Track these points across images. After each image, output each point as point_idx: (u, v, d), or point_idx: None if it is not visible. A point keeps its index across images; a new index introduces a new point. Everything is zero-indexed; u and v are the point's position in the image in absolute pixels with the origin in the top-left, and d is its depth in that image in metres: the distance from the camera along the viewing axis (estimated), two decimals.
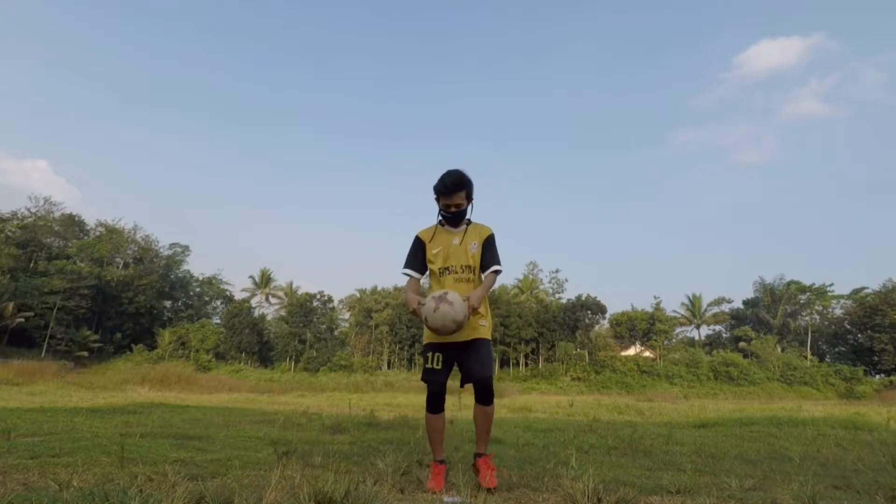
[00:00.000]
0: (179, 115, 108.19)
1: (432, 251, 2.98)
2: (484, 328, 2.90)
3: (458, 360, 2.89)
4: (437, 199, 2.95)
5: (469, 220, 3.03)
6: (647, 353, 49.68)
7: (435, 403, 2.89)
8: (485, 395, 2.86)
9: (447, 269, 2.94)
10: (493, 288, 3.09)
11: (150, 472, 2.74)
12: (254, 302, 56.12)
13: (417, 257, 3.02)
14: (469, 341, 2.86)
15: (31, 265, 46.82)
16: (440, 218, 3.03)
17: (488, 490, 2.61)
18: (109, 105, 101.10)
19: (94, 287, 46.83)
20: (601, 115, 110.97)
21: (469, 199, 2.95)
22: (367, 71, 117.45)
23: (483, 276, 2.93)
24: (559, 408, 13.16)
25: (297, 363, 48.20)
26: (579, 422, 8.20)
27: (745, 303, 56.81)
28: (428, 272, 3.06)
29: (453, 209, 2.91)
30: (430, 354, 2.87)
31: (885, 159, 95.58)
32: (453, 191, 2.87)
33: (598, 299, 49.51)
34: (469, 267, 2.92)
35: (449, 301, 2.64)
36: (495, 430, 5.86)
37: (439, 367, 2.84)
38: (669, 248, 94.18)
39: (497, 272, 2.91)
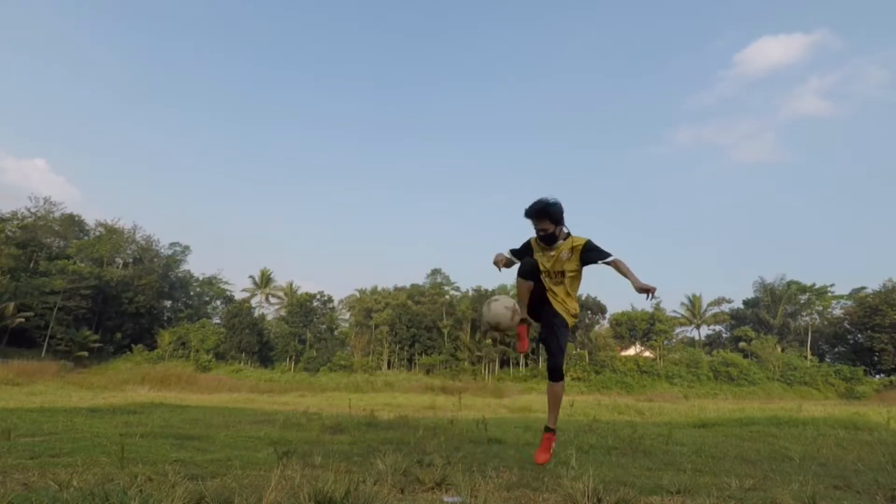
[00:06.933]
0: (179, 114, 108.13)
1: (535, 254, 3.52)
2: (568, 312, 3.44)
3: (541, 321, 3.52)
4: None
5: (567, 233, 3.43)
6: (647, 353, 49.65)
7: (527, 272, 3.39)
8: (551, 374, 3.44)
9: (545, 271, 3.47)
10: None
11: (150, 472, 2.74)
12: (254, 302, 56.11)
13: (521, 248, 3.62)
14: (554, 316, 3.42)
15: (32, 265, 46.77)
16: None
17: (538, 464, 3.32)
18: (109, 104, 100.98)
19: (95, 287, 46.77)
20: (600, 115, 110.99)
21: (555, 224, 3.34)
22: (367, 72, 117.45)
23: (616, 267, 3.25)
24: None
25: (297, 363, 48.19)
26: (579, 422, 8.20)
27: (745, 303, 56.79)
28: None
29: (541, 233, 3.36)
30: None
31: (887, 158, 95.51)
32: (535, 217, 3.31)
33: (598, 299, 49.53)
34: (561, 272, 3.42)
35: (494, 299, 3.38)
36: (496, 429, 5.87)
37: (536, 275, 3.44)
38: (669, 248, 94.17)
39: (615, 259, 3.26)
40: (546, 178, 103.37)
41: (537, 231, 3.38)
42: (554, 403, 3.53)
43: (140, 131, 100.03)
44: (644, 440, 5.52)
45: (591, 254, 3.37)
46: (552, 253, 3.42)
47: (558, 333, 3.41)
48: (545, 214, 3.29)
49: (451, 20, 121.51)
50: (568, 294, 3.46)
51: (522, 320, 3.46)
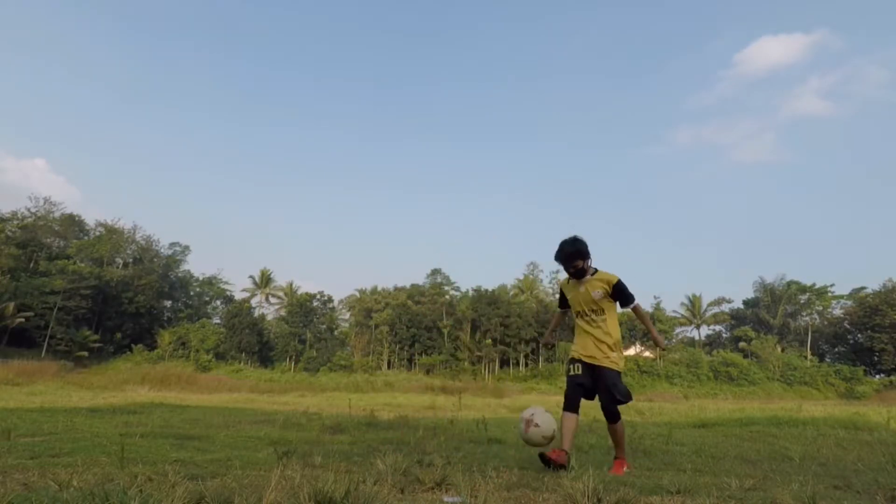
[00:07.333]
0: (179, 114, 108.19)
1: (568, 296, 3.75)
2: (610, 360, 3.51)
3: (593, 379, 3.54)
4: None
5: (595, 269, 3.63)
6: (646, 353, 49.65)
7: (568, 402, 3.56)
8: (609, 416, 3.53)
9: (578, 313, 3.67)
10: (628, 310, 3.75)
11: (150, 472, 2.74)
12: (254, 302, 56.10)
13: (560, 299, 3.91)
14: (599, 367, 3.50)
15: (32, 265, 46.76)
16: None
17: (613, 474, 3.24)
18: (109, 104, 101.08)
19: (95, 287, 46.74)
20: (600, 115, 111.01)
21: (584, 259, 3.56)
22: (367, 72, 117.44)
23: (635, 313, 3.66)
24: (559, 408, 13.15)
25: (297, 363, 48.19)
26: (579, 422, 8.19)
27: (745, 303, 56.78)
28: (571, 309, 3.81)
29: (572, 271, 3.61)
30: (571, 366, 3.64)
31: (887, 158, 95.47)
32: (568, 262, 3.57)
33: None
34: (594, 310, 3.59)
35: (536, 423, 3.53)
36: (496, 429, 5.87)
37: (579, 372, 3.55)
38: (669, 248, 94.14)
39: (636, 305, 3.60)
40: (546, 178, 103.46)
41: (568, 270, 3.61)
42: (617, 441, 3.60)
43: (140, 131, 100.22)
44: (644, 440, 5.52)
45: (621, 295, 3.57)
46: (581, 289, 3.60)
47: (604, 374, 3.47)
48: (575, 258, 3.53)
49: (451, 20, 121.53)
50: (607, 332, 3.55)
51: (564, 450, 3.39)
